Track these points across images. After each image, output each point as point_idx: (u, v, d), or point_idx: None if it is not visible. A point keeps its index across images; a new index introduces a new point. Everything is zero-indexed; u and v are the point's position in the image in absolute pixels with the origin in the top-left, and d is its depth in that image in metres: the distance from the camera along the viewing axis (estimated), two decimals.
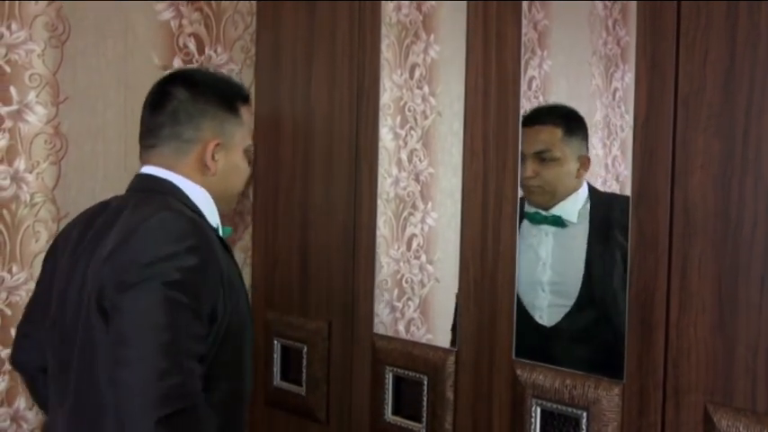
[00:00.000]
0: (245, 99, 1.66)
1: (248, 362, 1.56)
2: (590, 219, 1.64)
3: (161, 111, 1.56)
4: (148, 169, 1.57)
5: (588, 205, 1.64)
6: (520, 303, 1.73)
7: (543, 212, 1.71)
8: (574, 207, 1.67)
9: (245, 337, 1.53)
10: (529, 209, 1.73)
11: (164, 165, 1.55)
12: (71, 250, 1.53)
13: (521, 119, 1.72)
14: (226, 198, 1.64)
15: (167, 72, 1.64)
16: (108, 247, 1.40)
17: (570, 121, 1.64)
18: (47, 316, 1.56)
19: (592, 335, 1.64)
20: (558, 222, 1.69)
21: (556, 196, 1.70)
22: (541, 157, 1.70)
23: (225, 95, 1.61)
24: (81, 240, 1.52)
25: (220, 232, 1.59)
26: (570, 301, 1.66)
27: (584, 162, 1.64)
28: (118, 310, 1.33)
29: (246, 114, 1.65)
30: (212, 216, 1.58)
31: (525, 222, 1.74)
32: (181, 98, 1.55)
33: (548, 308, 1.70)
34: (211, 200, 1.58)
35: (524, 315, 1.73)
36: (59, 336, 1.49)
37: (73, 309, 1.45)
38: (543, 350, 1.70)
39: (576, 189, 1.66)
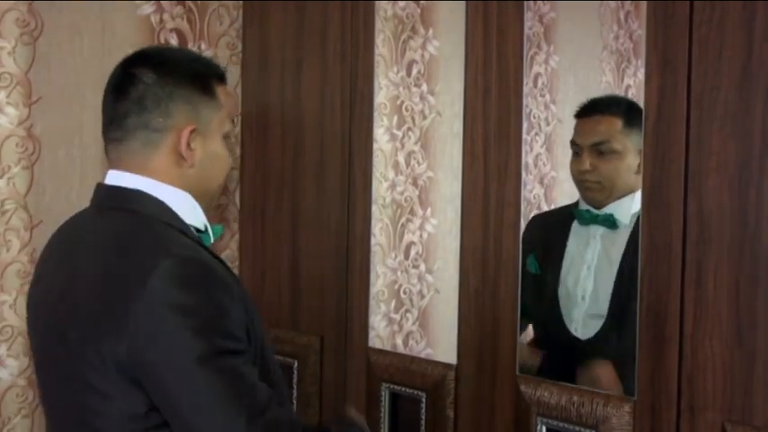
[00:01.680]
0: (221, 78, 1.54)
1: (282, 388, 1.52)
2: (634, 224, 1.59)
3: (125, 97, 1.44)
4: (114, 177, 1.47)
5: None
6: (558, 312, 1.72)
7: (594, 211, 1.68)
8: (628, 208, 1.62)
9: (272, 357, 1.49)
10: (581, 206, 1.71)
11: (133, 166, 1.45)
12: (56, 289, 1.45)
13: (520, 114, 1.72)
14: (208, 193, 1.55)
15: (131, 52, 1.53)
16: (87, 302, 1.34)
17: (630, 112, 1.59)
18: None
19: (622, 352, 1.59)
20: (610, 222, 1.65)
21: (614, 193, 1.65)
22: (599, 150, 1.65)
23: (197, 75, 1.49)
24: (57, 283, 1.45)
25: (210, 233, 1.53)
26: (604, 313, 1.64)
27: None
28: (158, 386, 1.28)
29: (224, 95, 1.54)
30: (196, 218, 1.50)
31: (575, 223, 1.72)
32: (147, 81, 1.43)
33: (583, 319, 1.68)
34: (192, 200, 1.49)
35: (560, 325, 1.71)
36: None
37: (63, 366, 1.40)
38: (574, 367, 1.68)
39: (634, 188, 1.59)
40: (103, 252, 1.37)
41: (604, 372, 1.64)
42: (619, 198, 1.65)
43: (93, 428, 1.35)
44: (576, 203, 1.71)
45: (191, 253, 1.35)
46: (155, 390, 1.29)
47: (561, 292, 1.72)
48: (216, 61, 1.62)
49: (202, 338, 1.26)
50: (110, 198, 1.47)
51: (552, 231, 1.76)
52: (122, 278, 1.31)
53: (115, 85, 1.48)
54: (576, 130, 1.68)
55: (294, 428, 1.34)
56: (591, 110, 1.67)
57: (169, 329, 1.26)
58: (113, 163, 1.48)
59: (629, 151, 1.62)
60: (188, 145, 1.46)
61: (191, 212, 1.48)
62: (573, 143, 1.69)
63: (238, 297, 1.35)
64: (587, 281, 1.68)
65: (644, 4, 1.54)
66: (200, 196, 1.51)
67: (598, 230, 1.68)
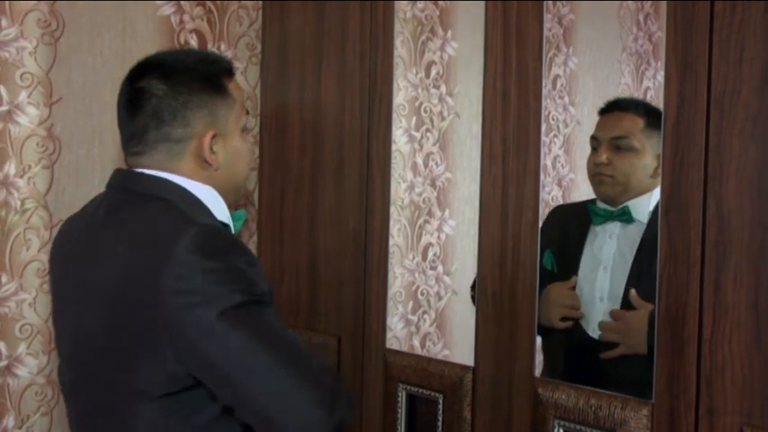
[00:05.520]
0: (229, 72, 1.56)
1: None
2: (647, 222, 1.61)
3: (140, 112, 1.47)
4: (141, 170, 1.49)
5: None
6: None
7: (610, 208, 1.69)
8: (646, 206, 1.63)
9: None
10: (594, 207, 1.72)
11: (159, 168, 1.48)
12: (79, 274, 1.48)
13: (540, 119, 1.73)
14: (234, 187, 1.58)
15: (135, 64, 1.54)
16: (114, 272, 1.38)
17: (652, 116, 1.60)
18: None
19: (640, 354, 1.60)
20: (626, 215, 1.67)
21: (627, 191, 1.67)
22: (618, 145, 1.67)
23: (207, 76, 1.50)
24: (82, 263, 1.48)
25: (232, 226, 1.56)
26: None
27: None
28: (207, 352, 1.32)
29: (235, 89, 1.55)
30: (222, 214, 1.53)
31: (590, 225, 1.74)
32: (158, 94, 1.45)
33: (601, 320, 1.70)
34: (219, 197, 1.52)
35: (576, 327, 1.72)
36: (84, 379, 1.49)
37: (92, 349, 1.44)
38: (591, 369, 1.69)
39: (649, 189, 1.62)
40: (130, 242, 1.40)
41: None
42: (633, 198, 1.67)
43: (123, 410, 1.39)
44: (593, 201, 1.73)
45: (212, 222, 1.41)
46: (201, 362, 1.33)
47: (578, 292, 1.72)
48: (220, 54, 1.62)
49: (234, 292, 1.31)
50: (137, 182, 1.49)
51: (571, 228, 1.77)
52: (145, 261, 1.35)
53: (127, 102, 1.50)
54: (598, 125, 1.70)
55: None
56: (615, 106, 1.69)
57: (201, 286, 1.30)
58: (136, 166, 1.51)
59: (647, 152, 1.63)
60: (210, 149, 1.49)
61: (215, 206, 1.52)
62: (593, 138, 1.70)
63: (257, 264, 1.41)
64: (604, 282, 1.69)
65: (664, 6, 1.54)
66: (227, 191, 1.56)
67: (614, 230, 1.69)
